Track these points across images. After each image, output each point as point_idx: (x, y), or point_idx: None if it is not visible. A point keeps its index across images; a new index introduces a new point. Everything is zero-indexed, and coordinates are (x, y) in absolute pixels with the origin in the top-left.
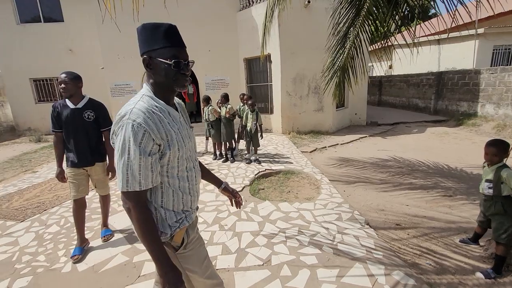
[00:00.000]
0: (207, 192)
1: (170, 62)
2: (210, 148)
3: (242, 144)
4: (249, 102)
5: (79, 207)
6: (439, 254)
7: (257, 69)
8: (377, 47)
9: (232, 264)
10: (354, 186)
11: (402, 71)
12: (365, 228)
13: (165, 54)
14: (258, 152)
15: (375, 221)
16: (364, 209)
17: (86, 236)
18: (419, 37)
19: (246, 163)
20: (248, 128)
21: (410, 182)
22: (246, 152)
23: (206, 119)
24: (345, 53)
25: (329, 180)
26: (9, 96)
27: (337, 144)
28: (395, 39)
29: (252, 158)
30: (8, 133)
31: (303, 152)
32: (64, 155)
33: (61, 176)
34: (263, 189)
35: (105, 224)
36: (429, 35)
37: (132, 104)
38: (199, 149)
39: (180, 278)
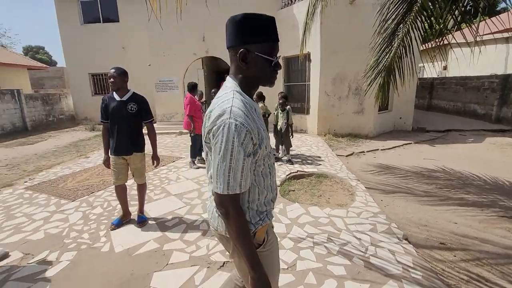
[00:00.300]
0: None
1: (272, 59)
2: None
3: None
4: (280, 101)
5: (119, 191)
6: (493, 283)
7: (295, 68)
8: (430, 46)
9: None
10: (393, 196)
11: (459, 72)
12: (403, 243)
13: (266, 49)
14: (291, 152)
15: (415, 236)
16: (403, 222)
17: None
18: (482, 35)
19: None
20: (278, 127)
21: (460, 197)
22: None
23: None
24: (392, 52)
25: (365, 187)
26: (72, 89)
27: (377, 149)
28: (453, 37)
29: (285, 158)
30: (69, 121)
31: (338, 155)
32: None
33: (107, 163)
34: (293, 190)
35: (141, 211)
36: (495, 32)
37: (228, 101)
38: None
39: (269, 284)
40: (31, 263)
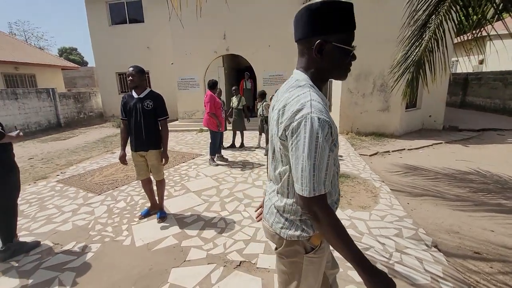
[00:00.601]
0: (255, 188)
1: (352, 49)
2: (263, 144)
3: None
4: None
5: (144, 184)
6: None
7: None
8: (465, 38)
9: (274, 265)
10: (421, 199)
11: (499, 67)
12: (431, 250)
13: (345, 39)
14: None
15: (445, 244)
16: (431, 228)
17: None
18: None
19: None
20: None
21: (498, 203)
22: None
23: (260, 114)
24: (422, 46)
25: (390, 189)
26: (100, 87)
27: (404, 149)
28: (493, 27)
29: None
30: (98, 118)
31: (361, 155)
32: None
33: (123, 159)
34: None
35: (160, 206)
36: None
37: (305, 95)
38: (251, 143)
39: (391, 281)
40: (59, 252)
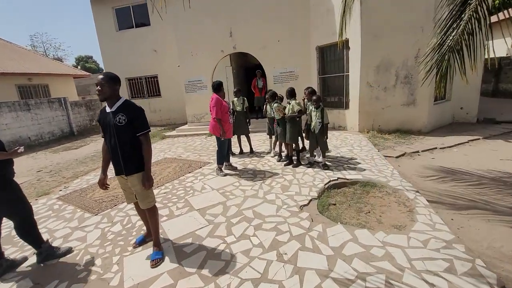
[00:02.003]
0: (267, 203)
1: None
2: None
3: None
4: (313, 97)
5: (137, 209)
6: None
7: (331, 58)
8: (503, 17)
9: None
10: (468, 213)
11: None
12: None
13: None
14: (328, 154)
15: None
16: (490, 256)
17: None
18: None
19: (307, 166)
20: (312, 128)
21: None
22: (308, 154)
23: (270, 116)
24: (460, 28)
25: (427, 200)
26: None
27: (435, 148)
28: None
29: (320, 159)
30: None
31: (386, 157)
32: None
33: (101, 183)
34: (334, 204)
35: (154, 243)
36: None
37: None
38: (263, 148)
39: None
40: None
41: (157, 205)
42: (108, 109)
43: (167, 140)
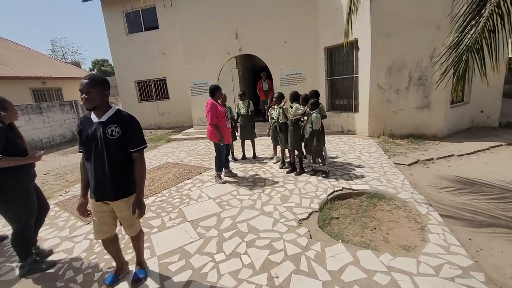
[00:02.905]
0: (263, 216)
1: None
2: (279, 153)
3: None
4: (311, 100)
5: (108, 245)
6: None
7: (339, 59)
8: None
9: None
10: (488, 232)
11: None
12: None
13: None
14: (334, 161)
15: None
16: None
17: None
18: None
19: (310, 174)
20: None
21: None
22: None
23: (275, 120)
24: (480, 25)
25: (440, 214)
26: (121, 96)
27: (452, 155)
28: None
29: (318, 166)
30: None
31: (397, 164)
32: None
33: (81, 210)
34: (337, 218)
35: (139, 262)
36: None
37: None
38: (266, 153)
39: None
40: None
41: (150, 214)
42: (95, 119)
43: (172, 143)
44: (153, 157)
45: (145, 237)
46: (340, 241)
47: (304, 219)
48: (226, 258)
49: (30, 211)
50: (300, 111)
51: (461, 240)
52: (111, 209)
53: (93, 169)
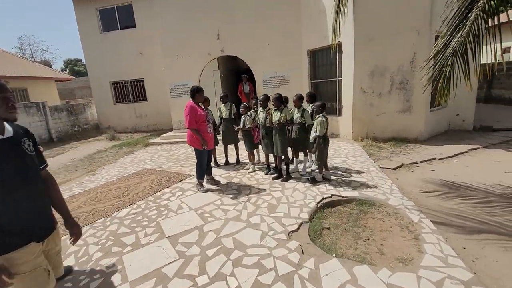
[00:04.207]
0: (250, 228)
1: None
2: (262, 158)
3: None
4: (316, 103)
5: None
6: None
7: (323, 62)
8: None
9: None
10: (480, 239)
11: None
12: None
13: None
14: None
15: None
16: None
17: None
18: None
19: (297, 181)
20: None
21: None
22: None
23: (261, 123)
24: (466, 29)
25: (432, 222)
26: (95, 98)
27: (434, 158)
28: None
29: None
30: (94, 130)
31: (383, 168)
32: None
33: (6, 274)
34: (328, 228)
35: None
36: None
37: None
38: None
39: None
40: None
41: (123, 230)
42: None
43: (150, 148)
44: (128, 163)
45: (116, 258)
46: (334, 255)
47: (294, 231)
48: (209, 281)
49: None
50: (289, 117)
51: (456, 249)
52: (42, 251)
53: (19, 200)
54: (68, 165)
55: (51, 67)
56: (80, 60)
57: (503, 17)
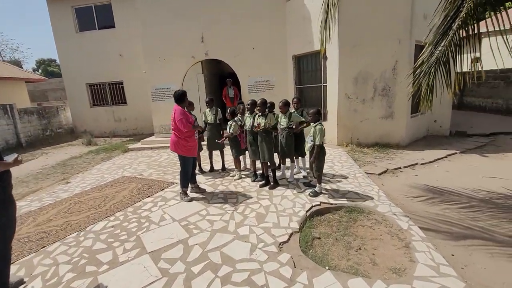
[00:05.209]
0: (239, 241)
1: None
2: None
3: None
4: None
5: None
6: None
7: (308, 67)
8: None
9: None
10: (467, 245)
11: (501, 64)
12: None
13: None
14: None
15: None
16: None
17: None
18: None
19: (286, 187)
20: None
21: None
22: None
23: (248, 129)
24: (448, 38)
25: (420, 227)
26: (69, 101)
27: (416, 163)
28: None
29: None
30: (69, 135)
31: (368, 173)
32: None
33: None
34: (319, 238)
35: None
36: None
37: None
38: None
39: None
40: None
41: (99, 245)
42: None
43: (130, 153)
44: (106, 170)
45: (90, 279)
46: (327, 267)
47: (284, 242)
48: None
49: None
50: (274, 123)
51: (446, 257)
52: None
53: None
54: (38, 173)
55: (22, 67)
56: (55, 61)
57: (482, 26)
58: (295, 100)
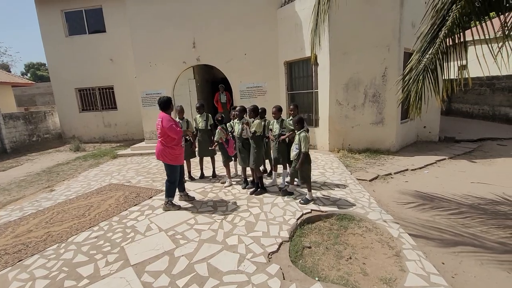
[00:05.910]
0: (227, 251)
1: None
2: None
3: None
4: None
5: None
6: None
7: (299, 73)
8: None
9: None
10: (457, 252)
11: (486, 72)
12: None
13: None
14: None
15: None
16: None
17: None
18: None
19: (277, 194)
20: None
21: None
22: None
23: (237, 135)
24: (436, 46)
25: (410, 235)
26: (58, 106)
27: (406, 169)
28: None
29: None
30: (56, 140)
31: (360, 180)
32: None
33: None
34: (309, 247)
35: None
36: None
37: None
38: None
39: None
40: None
41: (81, 257)
42: None
43: (119, 159)
44: (93, 178)
45: None
46: (316, 278)
47: (273, 252)
48: None
49: None
50: (254, 128)
51: (436, 265)
52: None
53: None
54: (21, 180)
55: (10, 71)
56: (44, 65)
57: (468, 34)
58: (291, 107)
